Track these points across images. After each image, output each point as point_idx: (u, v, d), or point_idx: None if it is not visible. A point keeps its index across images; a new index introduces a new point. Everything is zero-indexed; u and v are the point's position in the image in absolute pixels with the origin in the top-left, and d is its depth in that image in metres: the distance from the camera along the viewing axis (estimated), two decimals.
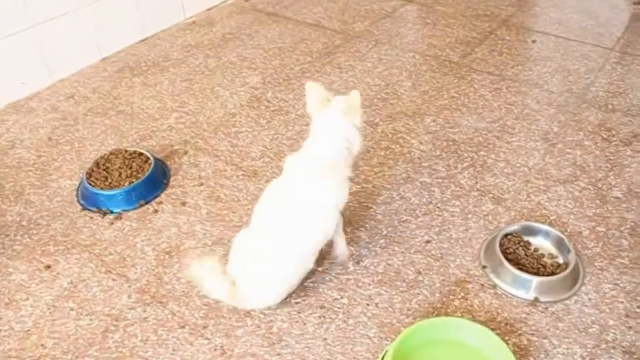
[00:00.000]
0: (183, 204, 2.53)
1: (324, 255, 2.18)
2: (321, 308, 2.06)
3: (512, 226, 2.26)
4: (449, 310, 2.03)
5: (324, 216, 2.01)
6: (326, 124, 2.03)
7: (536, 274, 2.08)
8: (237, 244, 2.04)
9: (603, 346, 1.90)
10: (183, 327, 2.02)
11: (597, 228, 2.32)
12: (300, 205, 1.98)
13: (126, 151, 2.68)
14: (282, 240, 1.96)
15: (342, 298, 2.09)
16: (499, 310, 2.02)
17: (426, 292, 2.10)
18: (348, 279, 2.16)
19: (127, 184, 2.53)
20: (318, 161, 2.00)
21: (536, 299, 2.03)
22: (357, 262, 2.22)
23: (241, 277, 1.96)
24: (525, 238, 2.23)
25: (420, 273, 2.17)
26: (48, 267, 2.27)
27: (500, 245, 2.16)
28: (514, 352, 1.80)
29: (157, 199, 2.56)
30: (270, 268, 1.96)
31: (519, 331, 1.95)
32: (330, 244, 2.15)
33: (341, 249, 2.19)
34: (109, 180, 2.56)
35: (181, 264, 2.21)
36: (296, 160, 2.06)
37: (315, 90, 2.05)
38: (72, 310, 2.10)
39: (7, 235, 2.42)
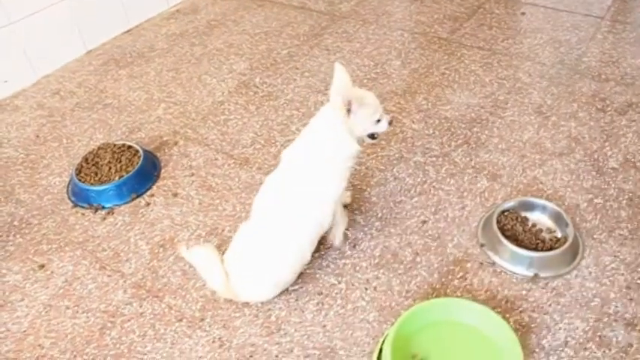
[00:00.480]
0: (175, 195, 2.49)
1: (321, 241, 2.15)
2: (319, 295, 2.04)
3: (508, 203, 2.23)
4: (448, 291, 2.01)
5: (321, 208, 1.98)
6: (320, 120, 2.01)
7: (535, 249, 2.06)
8: (237, 235, 2.02)
9: (605, 319, 1.88)
10: (180, 320, 2.00)
11: (595, 200, 2.30)
12: (297, 197, 1.95)
13: (114, 145, 2.64)
14: (279, 233, 1.94)
15: (339, 283, 2.07)
16: (499, 288, 2.00)
17: (424, 273, 2.08)
18: (345, 264, 2.13)
19: (117, 178, 2.49)
20: (314, 153, 1.98)
21: (536, 275, 2.01)
22: (354, 246, 2.19)
23: (236, 270, 1.94)
24: (523, 214, 2.21)
25: (417, 254, 2.15)
26: (42, 266, 2.24)
27: (498, 222, 2.14)
28: (515, 330, 1.79)
29: (148, 192, 2.53)
30: (266, 260, 1.94)
31: (520, 309, 1.93)
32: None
33: (339, 241, 2.17)
34: (99, 175, 2.52)
35: (179, 250, 2.17)
36: (293, 152, 2.03)
37: (341, 74, 1.98)
38: (68, 308, 2.08)
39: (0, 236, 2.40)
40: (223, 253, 2.02)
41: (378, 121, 2.02)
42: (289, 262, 1.97)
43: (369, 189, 2.43)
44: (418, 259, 2.13)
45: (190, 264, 2.06)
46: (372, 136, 2.07)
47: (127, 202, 2.48)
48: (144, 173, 2.55)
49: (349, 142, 1.97)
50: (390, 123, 2.07)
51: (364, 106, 1.95)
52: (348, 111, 1.92)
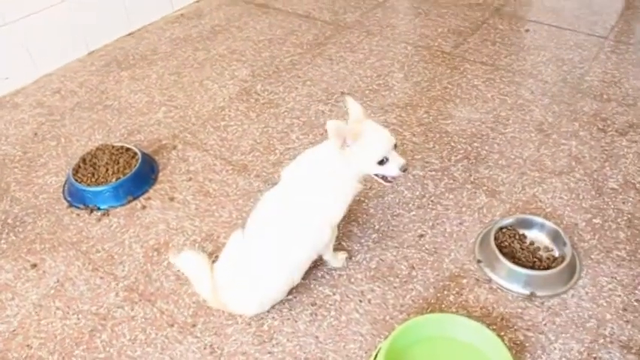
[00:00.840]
0: (172, 199, 2.48)
1: None
2: (312, 305, 2.02)
3: (507, 219, 2.22)
4: (443, 306, 1.99)
5: (316, 231, 1.93)
6: (323, 150, 1.91)
7: (532, 267, 2.05)
8: (230, 245, 1.99)
9: (601, 340, 1.86)
10: (172, 325, 1.98)
11: (593, 220, 2.29)
12: (295, 218, 1.90)
13: (113, 146, 2.63)
14: (272, 253, 1.89)
15: (334, 294, 2.05)
16: (494, 306, 1.98)
17: (419, 287, 2.06)
18: (340, 275, 2.11)
19: (114, 179, 2.48)
20: (315, 179, 1.92)
21: (532, 294, 2.00)
22: (350, 258, 2.17)
23: (225, 282, 1.92)
24: (520, 232, 2.19)
25: (413, 268, 2.13)
26: (34, 265, 2.22)
27: (495, 239, 2.12)
28: (510, 349, 1.77)
29: (145, 195, 2.51)
30: (255, 277, 1.90)
31: (515, 327, 1.91)
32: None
33: (330, 262, 2.13)
34: (96, 176, 2.51)
35: (172, 252, 2.16)
36: (293, 173, 1.96)
37: (352, 106, 1.89)
38: (58, 309, 2.06)
39: None
40: (214, 261, 2.00)
41: (382, 162, 1.86)
42: (278, 282, 1.93)
43: (366, 200, 2.42)
44: (414, 273, 2.11)
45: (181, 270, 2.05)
46: (384, 178, 1.93)
47: (123, 205, 2.47)
48: (141, 176, 2.54)
49: (347, 178, 1.91)
50: (404, 170, 1.89)
51: (360, 143, 1.81)
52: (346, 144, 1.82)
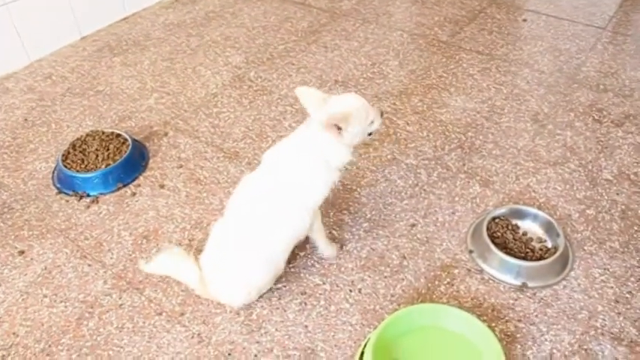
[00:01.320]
0: (162, 186, 2.45)
1: (306, 240, 2.11)
2: (302, 294, 2.00)
3: (500, 210, 2.20)
4: (434, 296, 1.97)
5: (296, 215, 1.90)
6: (306, 133, 1.89)
7: (524, 258, 2.03)
8: (212, 234, 1.95)
9: (592, 332, 1.85)
10: (160, 314, 1.96)
11: (587, 211, 2.27)
12: (275, 201, 1.87)
13: (103, 132, 2.60)
14: (253, 238, 1.86)
15: (324, 283, 2.03)
16: (486, 296, 1.96)
17: (410, 277, 2.04)
18: (330, 264, 2.09)
19: (103, 166, 2.45)
20: (299, 160, 1.89)
21: (524, 285, 1.98)
22: (340, 247, 2.15)
23: (210, 273, 1.90)
24: (513, 222, 2.17)
25: (404, 258, 2.11)
26: (22, 252, 2.20)
27: (488, 229, 2.10)
28: (500, 340, 1.75)
29: (134, 182, 2.48)
30: (236, 260, 1.87)
31: (506, 318, 1.89)
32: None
33: (323, 251, 2.10)
34: (86, 162, 2.48)
35: (140, 266, 2.10)
36: (274, 155, 1.94)
37: (307, 94, 1.88)
38: (45, 296, 2.03)
39: None
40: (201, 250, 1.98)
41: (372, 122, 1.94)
42: (262, 269, 1.90)
43: (359, 189, 2.39)
44: (405, 262, 2.09)
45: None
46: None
47: (112, 191, 2.44)
48: (131, 162, 2.51)
49: (344, 152, 1.90)
50: (382, 115, 2.01)
51: (354, 122, 1.83)
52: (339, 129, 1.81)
